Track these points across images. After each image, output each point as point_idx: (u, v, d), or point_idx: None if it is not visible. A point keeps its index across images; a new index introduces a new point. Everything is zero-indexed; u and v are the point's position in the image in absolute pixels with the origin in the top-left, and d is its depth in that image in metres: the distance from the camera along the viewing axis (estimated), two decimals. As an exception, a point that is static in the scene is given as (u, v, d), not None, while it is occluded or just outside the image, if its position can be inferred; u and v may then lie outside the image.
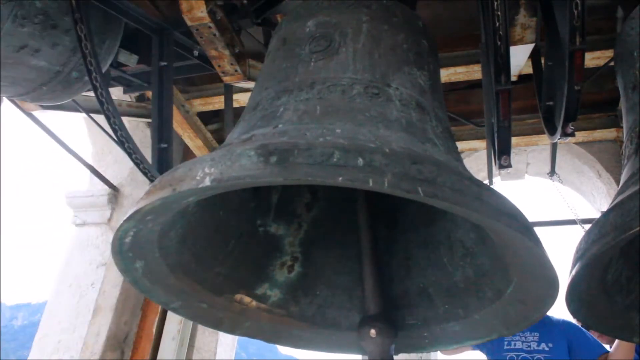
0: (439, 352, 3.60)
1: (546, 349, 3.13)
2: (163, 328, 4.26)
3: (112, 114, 2.17)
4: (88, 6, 2.18)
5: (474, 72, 3.20)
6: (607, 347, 3.19)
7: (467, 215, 1.06)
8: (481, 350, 3.31)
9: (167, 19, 2.62)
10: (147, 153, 2.56)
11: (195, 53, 2.81)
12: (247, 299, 1.64)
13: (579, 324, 3.17)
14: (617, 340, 2.98)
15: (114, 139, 2.29)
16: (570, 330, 3.20)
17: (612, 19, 2.98)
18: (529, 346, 3.17)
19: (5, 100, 2.83)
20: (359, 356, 1.88)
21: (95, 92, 2.14)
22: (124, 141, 2.29)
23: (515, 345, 3.19)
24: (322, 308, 1.70)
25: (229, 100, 3.32)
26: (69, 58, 2.40)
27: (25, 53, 2.23)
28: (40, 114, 3.25)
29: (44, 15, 2.21)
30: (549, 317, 3.28)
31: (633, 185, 1.39)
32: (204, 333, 4.48)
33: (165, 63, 2.64)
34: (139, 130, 4.44)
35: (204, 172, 1.03)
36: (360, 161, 0.97)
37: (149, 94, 3.66)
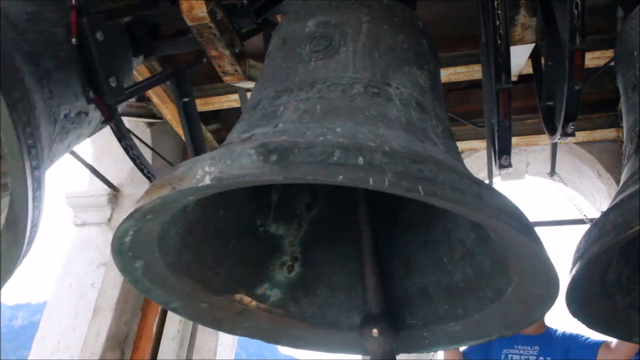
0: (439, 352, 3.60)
1: None
2: (163, 328, 4.26)
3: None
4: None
5: (474, 72, 3.20)
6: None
7: (468, 214, 1.06)
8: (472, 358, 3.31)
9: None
10: (147, 153, 2.56)
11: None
12: (247, 299, 1.63)
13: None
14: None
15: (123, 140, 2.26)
16: (568, 338, 3.20)
17: (612, 19, 2.98)
18: (527, 359, 3.18)
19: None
20: (359, 356, 1.88)
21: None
22: (128, 148, 2.29)
23: (512, 357, 3.21)
24: (322, 308, 1.70)
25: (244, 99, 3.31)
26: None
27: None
28: (40, 114, 3.23)
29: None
30: (554, 330, 3.29)
31: (633, 184, 1.39)
32: (204, 333, 4.48)
33: (187, 99, 2.64)
34: (139, 130, 4.44)
35: (204, 170, 1.02)
36: (361, 160, 0.96)
37: (149, 93, 3.66)
